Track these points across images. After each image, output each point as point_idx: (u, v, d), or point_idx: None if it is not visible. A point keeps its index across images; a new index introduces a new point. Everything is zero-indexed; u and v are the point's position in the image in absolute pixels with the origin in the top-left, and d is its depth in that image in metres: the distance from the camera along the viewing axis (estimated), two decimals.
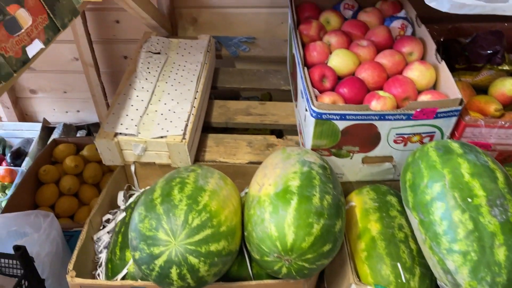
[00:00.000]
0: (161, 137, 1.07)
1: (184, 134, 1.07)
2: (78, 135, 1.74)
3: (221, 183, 0.87)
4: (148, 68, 1.26)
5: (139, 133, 1.08)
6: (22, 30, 0.75)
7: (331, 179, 0.87)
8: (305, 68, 1.01)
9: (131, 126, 1.08)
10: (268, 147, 1.19)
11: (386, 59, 1.03)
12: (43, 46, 0.80)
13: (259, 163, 1.15)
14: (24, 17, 0.77)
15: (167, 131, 1.07)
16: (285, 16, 1.55)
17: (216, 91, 1.40)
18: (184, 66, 1.28)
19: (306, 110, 0.96)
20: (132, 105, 1.15)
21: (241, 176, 1.15)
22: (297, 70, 1.10)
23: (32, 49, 0.77)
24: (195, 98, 1.18)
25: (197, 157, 1.17)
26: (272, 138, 1.22)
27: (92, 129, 1.79)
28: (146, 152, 1.09)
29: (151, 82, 1.22)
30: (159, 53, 1.32)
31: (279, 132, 1.32)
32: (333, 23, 1.17)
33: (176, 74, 1.25)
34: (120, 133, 1.08)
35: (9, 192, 1.56)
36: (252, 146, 1.19)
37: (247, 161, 1.16)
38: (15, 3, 0.74)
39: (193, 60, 1.30)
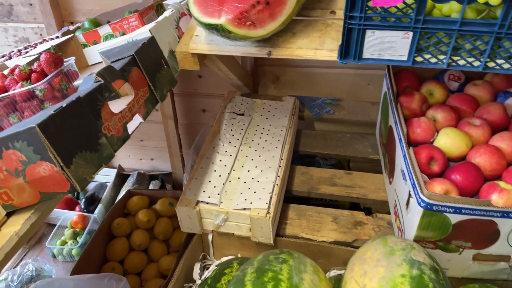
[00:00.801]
0: (244, 209, 1.00)
1: (269, 208, 0.99)
2: (151, 185, 1.73)
3: (316, 279, 0.78)
4: (231, 130, 1.22)
5: (221, 202, 1.02)
6: (125, 106, 0.72)
7: (445, 286, 0.74)
8: (411, 149, 0.91)
9: (214, 194, 1.03)
10: (356, 225, 1.08)
11: (504, 142, 0.90)
12: (142, 120, 0.77)
13: (346, 243, 1.05)
14: (127, 92, 0.75)
15: (251, 203, 1.01)
16: (372, 77, 1.47)
17: (295, 153, 1.32)
18: (268, 130, 1.22)
19: (411, 196, 0.86)
20: (215, 171, 1.10)
21: (325, 256, 1.04)
22: (396, 146, 1.00)
23: (132, 125, 0.75)
24: (280, 166, 1.11)
25: (278, 230, 1.08)
26: (360, 215, 1.11)
27: (165, 179, 1.78)
28: (226, 222, 1.03)
29: (235, 146, 1.17)
30: (242, 114, 1.29)
31: (366, 207, 1.20)
32: (437, 96, 1.06)
33: (260, 138, 1.20)
34: (202, 201, 1.03)
35: (81, 240, 1.56)
36: (337, 223, 1.09)
37: (332, 239, 1.05)
38: (121, 78, 0.72)
39: (278, 124, 1.24)
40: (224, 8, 0.78)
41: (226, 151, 1.16)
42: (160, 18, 0.92)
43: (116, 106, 0.71)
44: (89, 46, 1.31)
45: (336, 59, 0.82)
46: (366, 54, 0.79)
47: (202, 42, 0.89)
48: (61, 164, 0.56)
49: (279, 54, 0.85)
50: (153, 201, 1.53)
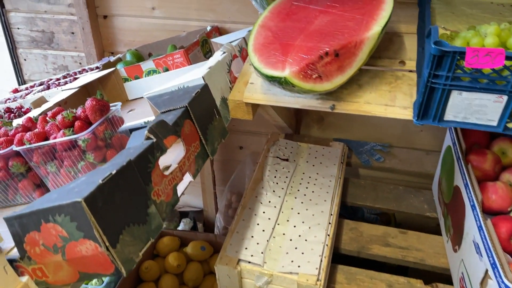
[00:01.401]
0: (291, 273, 0.90)
1: (319, 274, 0.89)
2: (181, 224, 1.65)
3: None
4: (275, 177, 1.13)
5: (265, 262, 0.93)
6: (176, 166, 0.64)
7: None
8: (488, 220, 0.80)
9: (257, 253, 0.93)
10: None
11: None
12: (192, 179, 0.69)
13: None
14: (179, 148, 0.67)
15: (298, 266, 0.90)
16: None
17: (341, 203, 1.22)
18: (316, 179, 1.13)
19: (489, 277, 0.74)
20: (258, 224, 1.01)
21: None
22: (465, 212, 0.89)
23: (182, 186, 0.67)
24: (329, 223, 1.01)
25: None
26: (419, 284, 0.99)
27: (196, 217, 1.70)
28: (269, 285, 0.93)
29: (279, 196, 1.08)
30: (287, 159, 1.20)
31: (424, 273, 1.08)
32: (511, 156, 0.95)
33: (307, 188, 1.10)
34: (244, 260, 0.93)
35: (106, 280, 1.48)
36: None
37: None
38: (173, 134, 0.65)
39: (326, 173, 1.14)
40: (289, 59, 0.71)
41: (269, 202, 1.07)
42: (213, 62, 0.85)
43: (167, 166, 0.63)
44: (131, 80, 1.26)
45: (411, 118, 0.73)
46: (449, 116, 0.69)
47: (258, 91, 0.81)
48: (107, 244, 0.48)
49: (343, 109, 0.77)
50: (184, 242, 1.44)
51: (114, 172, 0.52)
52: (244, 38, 1.03)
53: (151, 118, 0.88)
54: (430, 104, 0.69)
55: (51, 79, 1.50)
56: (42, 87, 1.43)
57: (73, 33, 1.52)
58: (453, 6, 0.97)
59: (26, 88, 1.52)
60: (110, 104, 0.79)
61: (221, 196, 1.63)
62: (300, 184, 1.12)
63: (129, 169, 0.54)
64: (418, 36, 0.90)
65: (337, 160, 1.18)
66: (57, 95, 1.19)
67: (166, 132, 0.64)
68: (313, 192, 1.09)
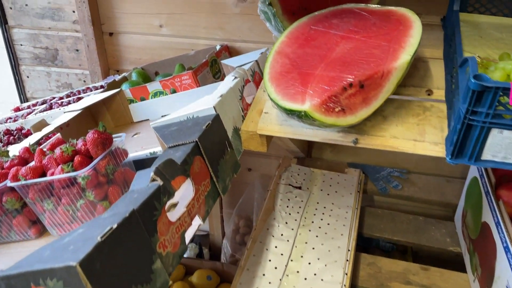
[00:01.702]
0: None
1: None
2: (188, 251, 1.57)
3: None
4: (288, 207, 1.06)
5: None
6: (184, 210, 0.58)
7: None
8: None
9: None
10: None
11: None
12: (202, 223, 0.62)
13: None
14: (187, 189, 0.61)
15: None
16: None
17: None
18: (331, 210, 1.06)
19: None
20: (269, 260, 0.94)
21: None
22: (496, 252, 0.81)
23: (191, 231, 0.60)
24: (347, 260, 0.94)
25: None
26: None
27: (201, 241, 1.63)
28: None
29: (292, 229, 1.01)
30: (300, 187, 1.13)
31: None
32: None
33: (321, 220, 1.03)
34: None
35: None
36: None
37: None
38: (182, 174, 0.58)
39: (342, 203, 1.07)
40: (309, 91, 0.64)
41: (282, 235, 1.00)
42: (224, 89, 0.79)
43: (174, 211, 0.57)
44: (136, 102, 1.21)
45: (443, 155, 0.66)
46: (487, 155, 0.62)
47: (273, 121, 0.75)
48: None
49: (367, 144, 0.70)
50: (189, 271, 1.37)
51: (115, 226, 0.45)
52: (256, 61, 0.97)
53: (157, 148, 0.81)
54: (466, 142, 0.62)
55: (54, 98, 1.45)
56: (44, 106, 1.38)
57: (77, 50, 1.47)
58: (481, 29, 0.91)
59: (28, 107, 1.47)
60: (114, 136, 0.73)
61: (229, 220, 1.56)
62: (315, 215, 1.05)
63: (132, 221, 0.48)
64: (445, 61, 0.84)
65: (353, 189, 1.12)
66: (59, 117, 1.13)
67: (174, 173, 0.57)
68: (328, 224, 1.02)
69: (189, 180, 0.61)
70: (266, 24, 0.89)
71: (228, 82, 0.85)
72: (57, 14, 1.42)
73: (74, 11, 1.40)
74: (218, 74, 1.26)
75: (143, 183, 0.55)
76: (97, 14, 1.40)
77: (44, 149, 0.72)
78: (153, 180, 0.55)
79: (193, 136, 0.65)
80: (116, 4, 1.37)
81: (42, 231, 0.75)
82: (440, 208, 1.20)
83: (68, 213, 0.68)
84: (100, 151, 0.67)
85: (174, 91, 1.17)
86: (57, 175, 0.65)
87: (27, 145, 0.78)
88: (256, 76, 0.95)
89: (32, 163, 0.71)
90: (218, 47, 1.32)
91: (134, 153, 0.82)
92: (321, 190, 1.13)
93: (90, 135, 0.67)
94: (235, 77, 0.87)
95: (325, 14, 0.79)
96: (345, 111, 0.64)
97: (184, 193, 0.60)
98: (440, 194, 1.21)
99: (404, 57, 0.66)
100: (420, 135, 0.69)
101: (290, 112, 0.64)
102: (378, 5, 0.80)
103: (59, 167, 0.66)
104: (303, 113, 0.63)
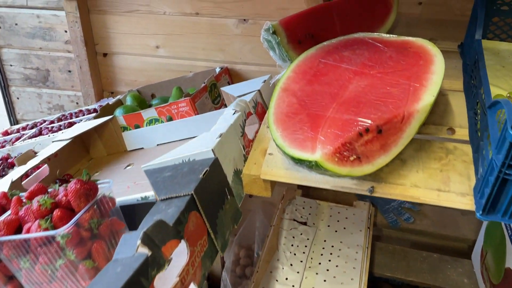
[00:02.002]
0: None
1: None
2: None
3: None
4: (292, 246, 0.98)
5: None
6: (176, 279, 0.50)
7: None
8: None
9: None
10: None
11: None
12: None
13: None
14: (181, 254, 0.53)
15: None
16: None
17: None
18: (339, 249, 0.98)
19: None
20: None
21: None
22: None
23: None
24: None
25: None
26: None
27: None
28: None
29: (298, 272, 0.93)
30: (305, 223, 1.05)
31: None
32: None
33: (329, 261, 0.95)
34: None
35: None
36: None
37: None
38: (175, 238, 0.50)
39: (351, 242, 0.99)
40: (320, 136, 0.57)
41: (286, 279, 0.91)
42: (224, 126, 0.72)
43: (165, 283, 0.49)
44: (130, 129, 1.13)
45: (472, 209, 0.59)
46: None
47: (278, 165, 0.67)
48: None
49: (385, 193, 0.62)
50: None
51: None
52: (259, 90, 0.90)
53: (149, 193, 0.74)
54: (500, 197, 0.54)
55: (44, 121, 1.37)
56: (34, 131, 1.31)
57: (70, 71, 1.40)
58: (503, 58, 0.84)
59: (17, 130, 1.40)
60: (100, 182, 0.65)
61: (228, 249, 1.48)
62: (322, 255, 0.97)
63: None
64: (466, 95, 0.77)
65: (363, 225, 1.04)
66: (47, 147, 1.06)
67: (165, 237, 0.50)
68: (337, 266, 0.94)
69: (183, 243, 0.53)
70: (270, 53, 0.82)
71: (228, 117, 0.77)
72: (49, 34, 1.35)
73: (66, 31, 1.33)
74: (217, 99, 1.18)
75: (129, 251, 0.48)
76: (91, 34, 1.33)
77: (23, 198, 0.64)
78: (141, 252, 0.47)
79: (189, 188, 0.57)
80: (110, 24, 1.30)
81: None
82: (455, 242, 1.12)
83: (47, 272, 0.60)
84: (83, 203, 0.59)
85: (170, 119, 1.09)
86: (34, 232, 0.57)
87: (6, 190, 0.70)
88: (258, 108, 0.87)
89: (8, 214, 0.63)
90: (217, 70, 1.24)
91: (123, 197, 0.74)
92: (328, 226, 1.05)
93: (72, 185, 0.60)
94: (236, 111, 0.79)
95: (335, 45, 0.72)
96: (361, 159, 0.57)
97: (177, 259, 0.52)
98: (455, 228, 1.13)
99: (426, 98, 0.59)
100: (444, 184, 0.62)
101: (298, 161, 0.57)
102: (393, 35, 0.72)
103: (36, 222, 0.58)
104: (313, 163, 0.55)
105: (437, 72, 0.62)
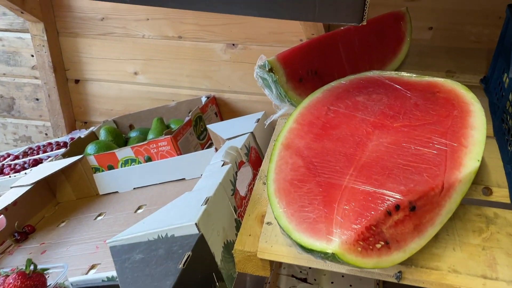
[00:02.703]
0: None
1: None
2: None
3: None
4: None
5: None
6: None
7: None
8: None
9: None
10: None
11: None
12: None
13: None
14: None
15: None
16: None
17: None
18: None
19: None
20: None
21: None
22: None
23: None
24: None
25: None
26: None
27: None
28: None
29: None
30: (305, 279, 0.91)
31: None
32: None
33: None
34: None
35: None
36: None
37: None
38: None
39: None
40: (337, 217, 0.43)
41: None
42: (211, 188, 0.58)
43: None
44: (102, 171, 0.98)
45: None
46: None
47: (280, 240, 0.53)
48: None
49: (417, 280, 0.49)
50: None
51: None
52: (252, 133, 0.77)
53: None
54: None
55: (9, 155, 1.22)
56: None
57: (37, 99, 1.25)
58: None
59: None
60: (52, 267, 0.51)
61: None
62: None
63: None
64: (499, 143, 0.65)
65: (372, 281, 0.90)
66: (4, 195, 0.91)
67: None
68: None
69: None
70: (265, 91, 0.69)
71: (216, 171, 0.64)
72: (13, 59, 1.21)
73: (32, 55, 1.19)
74: (203, 134, 1.05)
75: None
76: (60, 59, 1.18)
77: None
78: None
79: (164, 284, 0.43)
80: (82, 47, 1.16)
81: None
82: None
83: None
84: None
85: (149, 159, 0.95)
86: None
87: None
88: (252, 154, 0.74)
89: None
90: (203, 99, 1.11)
91: (85, 277, 0.59)
92: (332, 282, 0.91)
93: (10, 280, 0.45)
94: (222, 161, 0.66)
95: (346, 87, 0.59)
96: (389, 245, 0.44)
97: None
98: None
99: (470, 164, 0.46)
100: (490, 268, 0.49)
101: (309, 251, 0.43)
102: (414, 74, 0.60)
103: None
104: (330, 255, 0.42)
105: (478, 128, 0.49)
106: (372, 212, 0.43)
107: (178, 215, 0.54)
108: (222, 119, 1.16)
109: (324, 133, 0.53)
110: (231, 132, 0.78)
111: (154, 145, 0.93)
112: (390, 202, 0.44)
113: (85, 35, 1.15)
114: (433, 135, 0.49)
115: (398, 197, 0.44)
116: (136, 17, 1.10)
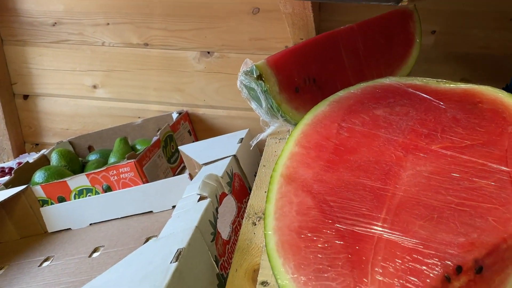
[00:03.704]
0: None
1: None
2: None
3: None
4: None
5: None
6: None
7: None
8: None
9: None
10: None
11: None
12: None
13: None
14: None
15: None
16: None
17: None
18: None
19: None
20: None
21: None
22: None
23: None
24: None
25: None
26: None
27: None
28: None
29: None
30: None
31: None
32: None
33: None
34: None
35: None
36: None
37: None
38: None
39: None
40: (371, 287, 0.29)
41: None
42: (184, 232, 0.43)
43: None
44: (52, 203, 0.81)
45: None
46: None
47: None
48: None
49: None
50: None
51: None
52: (235, 156, 0.62)
53: None
54: None
55: None
56: None
57: None
58: None
59: None
60: None
61: None
62: None
63: None
64: None
65: None
66: None
67: None
68: None
69: None
70: (251, 104, 0.55)
71: (191, 211, 0.49)
72: None
73: None
74: (175, 157, 0.89)
75: None
76: (5, 70, 1.01)
77: None
78: None
79: None
80: (32, 57, 1.00)
81: None
82: None
83: None
84: None
85: (108, 189, 0.79)
86: None
87: None
88: (235, 182, 0.59)
89: None
90: (175, 115, 0.96)
91: None
92: None
93: None
94: (202, 196, 0.51)
95: (358, 98, 0.46)
96: None
97: None
98: None
99: None
100: None
101: None
102: (442, 80, 0.47)
103: None
104: None
105: None
106: (424, 280, 0.29)
107: (137, 279, 0.38)
108: (197, 139, 1.01)
109: (338, 159, 0.39)
110: (209, 156, 0.63)
111: (114, 172, 0.77)
112: (447, 262, 0.30)
113: (34, 43, 0.99)
114: (489, 160, 0.36)
115: (456, 253, 0.30)
116: (94, 21, 0.94)
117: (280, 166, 0.39)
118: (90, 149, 1.05)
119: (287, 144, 0.41)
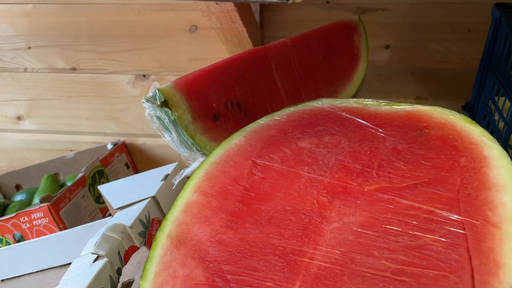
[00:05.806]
0: None
1: None
2: None
3: None
4: None
5: None
6: None
7: None
8: None
9: None
10: None
11: None
12: None
13: None
14: None
15: None
16: None
17: None
18: None
19: None
20: None
21: None
22: None
23: None
24: None
25: None
26: None
27: None
28: None
29: None
30: None
31: None
32: None
33: None
34: None
35: None
36: None
37: None
38: None
39: None
40: None
41: None
42: None
43: None
44: None
45: None
46: None
47: None
48: None
49: None
50: None
51: None
52: (154, 198, 0.52)
53: None
54: None
55: None
56: None
57: None
58: None
59: None
60: None
61: None
62: None
63: None
64: None
65: None
66: None
67: None
68: None
69: None
70: (164, 136, 0.45)
71: (82, 276, 0.38)
72: None
73: None
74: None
75: None
76: None
77: None
78: None
79: None
80: None
81: None
82: None
83: None
84: None
85: (21, 238, 0.67)
86: None
87: None
88: (153, 231, 0.49)
89: None
90: (110, 146, 0.85)
91: None
92: None
93: None
94: (99, 256, 0.40)
95: (281, 126, 0.37)
96: None
97: None
98: None
99: (509, 256, 0.25)
100: None
101: None
102: (384, 102, 0.39)
103: None
104: None
105: (507, 186, 0.28)
106: None
107: None
108: (137, 172, 0.90)
109: (245, 211, 0.29)
110: (125, 198, 0.53)
111: (26, 218, 0.65)
112: None
113: None
114: (436, 205, 0.27)
115: None
116: (14, 45, 0.84)
117: (169, 223, 0.30)
118: (18, 188, 0.93)
119: (183, 191, 0.32)
